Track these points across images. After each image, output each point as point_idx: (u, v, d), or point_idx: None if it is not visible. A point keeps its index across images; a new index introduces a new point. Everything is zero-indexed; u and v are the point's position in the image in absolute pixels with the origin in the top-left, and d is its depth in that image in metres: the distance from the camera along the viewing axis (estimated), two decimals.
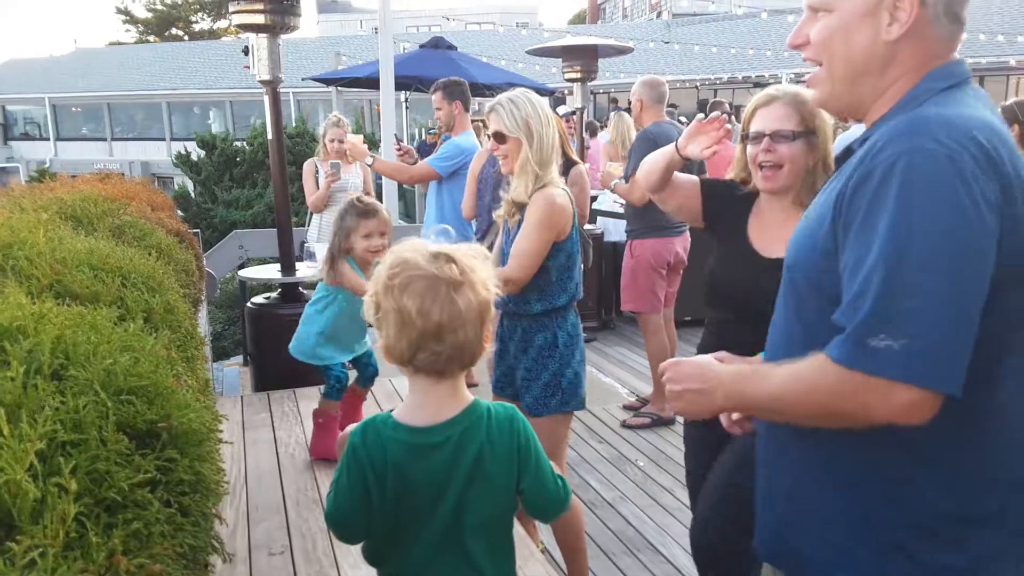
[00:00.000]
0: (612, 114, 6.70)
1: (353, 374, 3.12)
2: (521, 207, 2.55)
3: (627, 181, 4.49)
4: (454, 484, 1.33)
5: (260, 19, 4.01)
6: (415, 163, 5.20)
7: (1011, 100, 4.39)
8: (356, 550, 2.46)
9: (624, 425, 4.56)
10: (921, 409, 1.02)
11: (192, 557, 1.00)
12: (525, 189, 2.52)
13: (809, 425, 1.15)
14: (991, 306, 1.03)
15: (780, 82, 17.64)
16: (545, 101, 2.69)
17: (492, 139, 2.55)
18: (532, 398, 2.64)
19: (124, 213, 2.53)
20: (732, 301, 2.11)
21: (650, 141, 4.39)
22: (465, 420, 1.34)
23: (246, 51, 4.31)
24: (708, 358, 1.30)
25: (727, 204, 2.20)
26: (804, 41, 1.23)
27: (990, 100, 1.18)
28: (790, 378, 1.12)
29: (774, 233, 2.02)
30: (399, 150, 5.51)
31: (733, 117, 8.14)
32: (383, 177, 7.32)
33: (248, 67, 4.33)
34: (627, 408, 4.73)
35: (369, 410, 3.66)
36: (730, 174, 2.26)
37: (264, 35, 4.13)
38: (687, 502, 3.67)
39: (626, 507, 3.62)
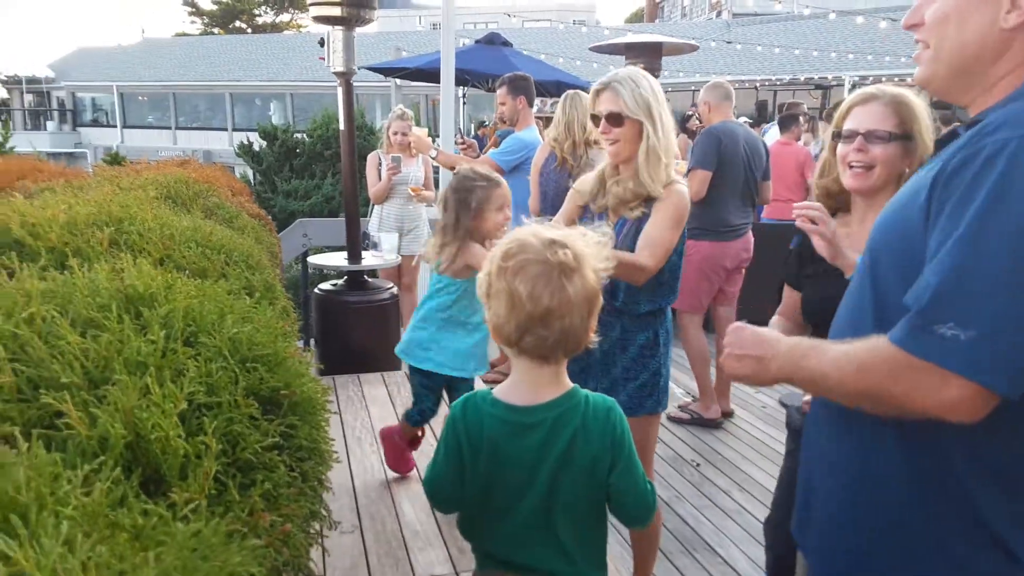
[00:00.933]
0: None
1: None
2: (647, 200, 2.32)
3: (687, 175, 4.48)
4: (546, 466, 1.35)
5: (337, 11, 4.09)
6: (477, 157, 5.24)
7: None
8: (424, 532, 2.52)
9: (668, 418, 4.56)
10: (973, 406, 0.98)
11: (310, 521, 1.04)
12: (653, 180, 2.28)
13: (853, 405, 1.14)
14: None
15: (844, 85, 17.27)
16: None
17: (605, 120, 2.27)
18: (627, 396, 2.51)
19: (212, 195, 2.61)
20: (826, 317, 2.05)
21: (714, 137, 4.41)
22: (563, 404, 1.36)
23: (322, 43, 4.40)
24: (770, 329, 1.28)
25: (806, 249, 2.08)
26: (919, 21, 1.18)
27: None
28: (843, 356, 1.11)
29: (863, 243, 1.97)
30: (462, 143, 5.57)
31: (813, 120, 7.99)
32: (442, 171, 7.40)
33: (323, 59, 4.42)
34: (681, 408, 4.71)
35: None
36: (815, 178, 2.20)
37: (340, 27, 4.21)
38: (745, 504, 3.66)
39: (683, 507, 3.61)
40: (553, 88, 10.92)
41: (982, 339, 0.95)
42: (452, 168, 4.77)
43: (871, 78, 15.63)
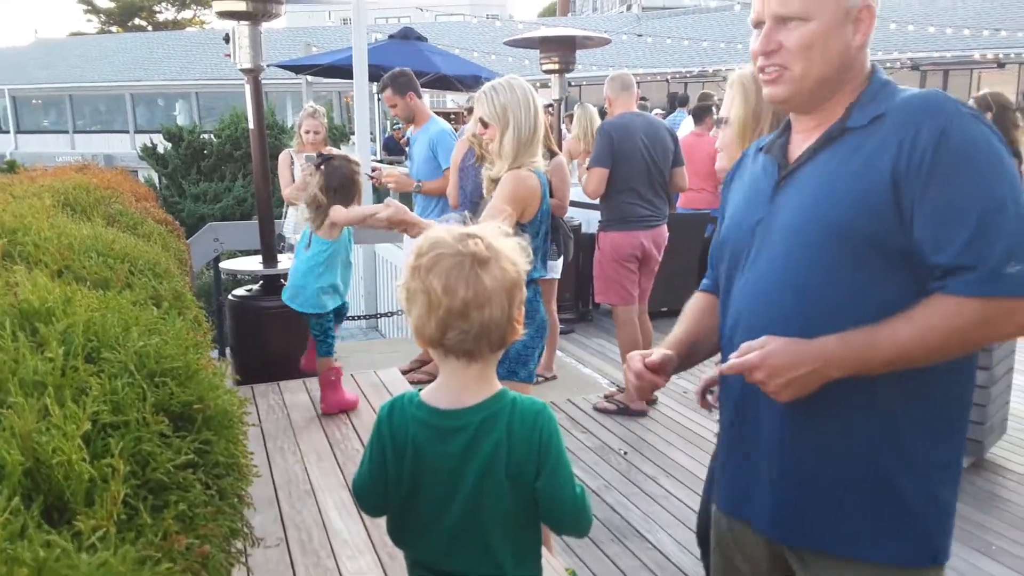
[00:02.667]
0: (576, 107, 6.72)
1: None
2: (496, 184, 2.69)
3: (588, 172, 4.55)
4: (471, 471, 1.33)
5: (242, 6, 3.95)
6: (380, 180, 5.10)
7: (984, 91, 4.50)
8: (353, 541, 2.47)
9: (594, 408, 4.64)
10: None
11: (231, 540, 1.00)
12: (499, 169, 2.66)
13: (933, 361, 1.26)
14: None
15: None
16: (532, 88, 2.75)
17: (479, 122, 2.66)
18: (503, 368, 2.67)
19: (115, 201, 2.49)
20: None
21: (606, 135, 4.47)
22: (489, 408, 1.34)
23: (227, 39, 4.26)
24: (788, 340, 1.29)
25: None
26: (776, 47, 1.35)
27: None
28: (921, 327, 1.21)
29: None
30: (373, 179, 5.37)
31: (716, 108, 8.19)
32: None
33: (229, 55, 4.28)
34: (607, 399, 4.77)
35: (381, 398, 3.67)
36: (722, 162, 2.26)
37: (246, 23, 4.08)
38: (671, 489, 3.73)
39: (611, 495, 3.66)
40: (472, 82, 10.89)
41: None
42: (437, 193, 4.72)
43: None
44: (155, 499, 0.90)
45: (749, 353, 1.27)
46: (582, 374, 5.43)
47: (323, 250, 3.32)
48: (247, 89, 4.23)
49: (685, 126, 7.82)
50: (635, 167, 4.45)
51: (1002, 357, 3.81)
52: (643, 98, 10.86)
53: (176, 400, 1.02)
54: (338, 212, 3.22)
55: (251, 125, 4.26)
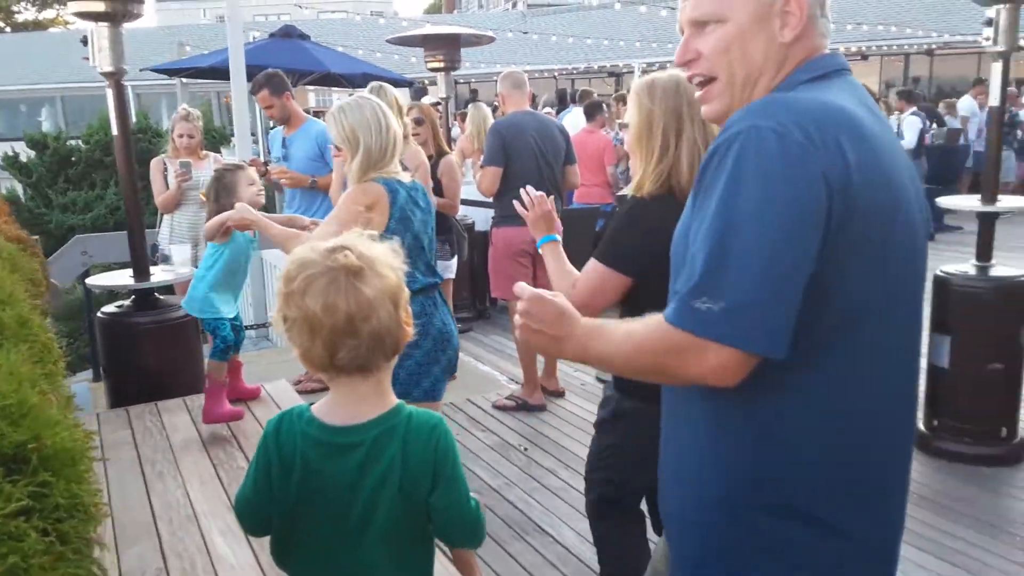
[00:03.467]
0: (469, 106, 6.74)
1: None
2: None
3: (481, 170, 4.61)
4: (364, 489, 1.29)
5: (100, 6, 3.71)
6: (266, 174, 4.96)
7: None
8: (240, 565, 2.36)
9: (494, 406, 4.65)
10: (729, 369, 1.07)
11: None
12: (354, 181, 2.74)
13: (641, 379, 1.23)
14: (836, 286, 1.09)
15: (634, 71, 18.29)
16: (400, 93, 2.83)
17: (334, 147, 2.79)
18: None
19: None
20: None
21: (497, 135, 4.57)
22: (384, 423, 1.30)
23: (85, 41, 3.99)
24: (568, 304, 1.25)
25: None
26: (695, 56, 1.25)
27: (863, 91, 1.24)
28: (626, 335, 1.17)
29: None
30: (255, 164, 5.17)
31: (606, 105, 8.39)
32: None
33: (88, 59, 4.01)
34: (507, 397, 4.77)
35: (269, 412, 3.51)
36: None
37: (105, 24, 3.83)
38: (570, 481, 3.77)
39: (512, 492, 3.67)
40: (360, 80, 10.66)
41: (728, 306, 1.04)
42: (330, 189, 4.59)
43: (657, 64, 16.68)
44: None
45: (544, 292, 1.25)
46: (481, 372, 5.42)
47: (210, 254, 3.25)
48: (109, 94, 3.98)
49: (574, 122, 7.94)
50: (526, 165, 4.54)
51: None
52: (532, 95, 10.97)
53: (7, 441, 0.93)
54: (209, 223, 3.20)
55: (115, 131, 4.01)
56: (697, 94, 1.29)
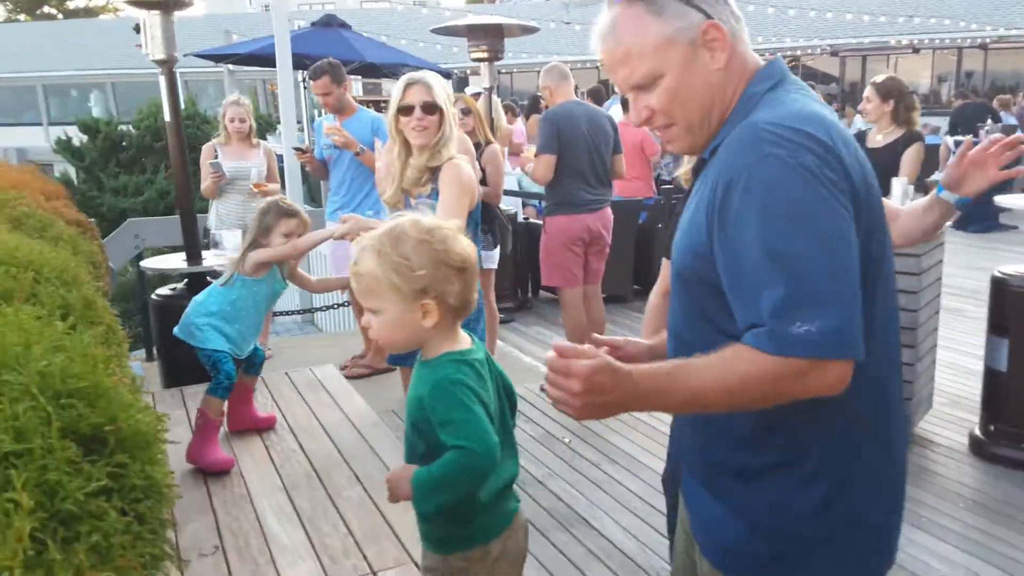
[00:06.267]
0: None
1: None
2: (435, 171, 2.78)
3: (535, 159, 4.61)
4: (493, 389, 1.60)
5: None
6: (313, 163, 5.03)
7: (882, 77, 4.64)
8: (292, 545, 2.39)
9: (541, 388, 4.64)
10: (846, 379, 1.12)
11: (153, 566, 0.93)
12: (443, 155, 2.79)
13: (735, 410, 1.20)
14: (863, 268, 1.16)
15: None
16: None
17: (420, 109, 2.73)
18: None
19: (20, 203, 2.33)
20: None
21: (551, 124, 4.56)
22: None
23: (137, 29, 4.07)
24: (613, 363, 1.17)
25: None
26: (649, 114, 1.30)
27: (810, 89, 1.31)
28: (720, 372, 1.14)
29: None
30: (303, 154, 5.23)
31: None
32: (286, 161, 7.15)
33: (140, 46, 4.09)
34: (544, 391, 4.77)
35: (292, 401, 3.56)
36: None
37: (157, 12, 3.90)
38: (615, 475, 3.76)
39: (556, 484, 3.66)
40: (398, 70, 10.69)
41: (826, 325, 1.08)
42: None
43: None
44: (66, 531, 0.83)
45: (580, 359, 1.14)
46: (524, 364, 5.42)
47: (241, 285, 3.04)
48: (161, 81, 4.06)
49: (614, 111, 7.87)
50: (579, 154, 4.54)
51: (925, 335, 3.95)
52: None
53: (86, 423, 0.94)
54: (264, 252, 3.02)
55: (167, 117, 4.08)
56: (659, 134, 1.36)
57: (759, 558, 1.27)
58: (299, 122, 9.64)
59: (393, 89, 2.81)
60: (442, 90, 2.74)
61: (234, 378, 2.95)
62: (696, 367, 1.16)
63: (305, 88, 14.12)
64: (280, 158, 5.99)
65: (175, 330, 3.04)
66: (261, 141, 5.44)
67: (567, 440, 4.11)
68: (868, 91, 4.59)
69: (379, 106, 8.94)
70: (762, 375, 1.11)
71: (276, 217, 2.99)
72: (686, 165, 2.27)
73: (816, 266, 1.09)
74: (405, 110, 2.75)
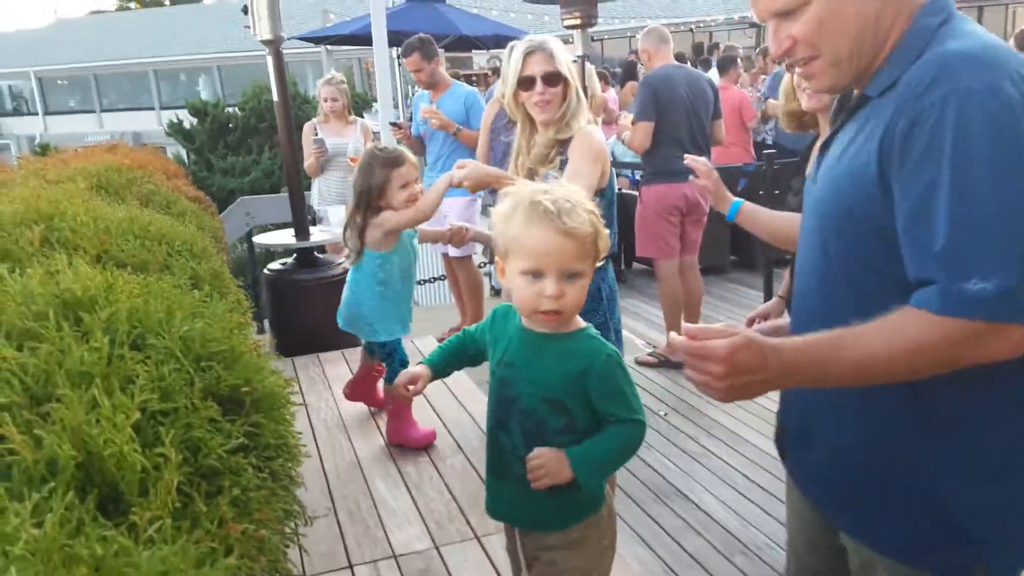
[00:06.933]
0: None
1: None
2: (564, 144, 2.48)
3: (632, 125, 4.51)
4: None
5: None
6: (408, 137, 5.09)
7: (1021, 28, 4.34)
8: (400, 510, 2.49)
9: (636, 361, 4.63)
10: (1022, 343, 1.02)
11: (285, 521, 0.99)
12: (572, 127, 2.48)
13: (905, 379, 1.10)
14: None
15: None
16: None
17: (542, 81, 2.42)
18: None
19: (147, 181, 2.48)
20: None
21: (650, 88, 4.44)
22: None
23: (245, 10, 4.22)
24: (756, 338, 1.11)
25: None
26: (791, 44, 1.17)
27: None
28: (888, 339, 1.06)
29: None
30: (399, 130, 5.32)
31: (750, 59, 8.03)
32: (382, 137, 7.29)
33: (248, 27, 4.24)
34: (649, 353, 4.75)
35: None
36: (780, 107, 2.33)
37: None
38: (713, 448, 3.71)
39: (652, 456, 3.65)
40: (491, 42, 10.70)
41: (1007, 283, 0.98)
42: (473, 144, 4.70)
43: None
44: (208, 485, 0.89)
45: (716, 338, 1.08)
46: None
47: (379, 264, 2.82)
48: (269, 61, 4.20)
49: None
50: (678, 119, 4.41)
51: None
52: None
53: (224, 384, 1.01)
54: (391, 217, 2.71)
55: (275, 97, 4.23)
56: (798, 69, 1.22)
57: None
58: (394, 99, 9.81)
59: (507, 58, 2.49)
60: (565, 57, 2.46)
61: (408, 363, 2.85)
62: (862, 335, 1.08)
63: (400, 65, 14.35)
64: (376, 135, 6.12)
65: (340, 324, 2.99)
66: (357, 118, 5.58)
67: (663, 413, 4.09)
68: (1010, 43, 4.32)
69: (471, 80, 8.99)
70: (935, 339, 1.02)
71: (383, 169, 2.66)
72: (789, 104, 2.24)
73: (1005, 217, 0.99)
74: (526, 83, 2.44)
